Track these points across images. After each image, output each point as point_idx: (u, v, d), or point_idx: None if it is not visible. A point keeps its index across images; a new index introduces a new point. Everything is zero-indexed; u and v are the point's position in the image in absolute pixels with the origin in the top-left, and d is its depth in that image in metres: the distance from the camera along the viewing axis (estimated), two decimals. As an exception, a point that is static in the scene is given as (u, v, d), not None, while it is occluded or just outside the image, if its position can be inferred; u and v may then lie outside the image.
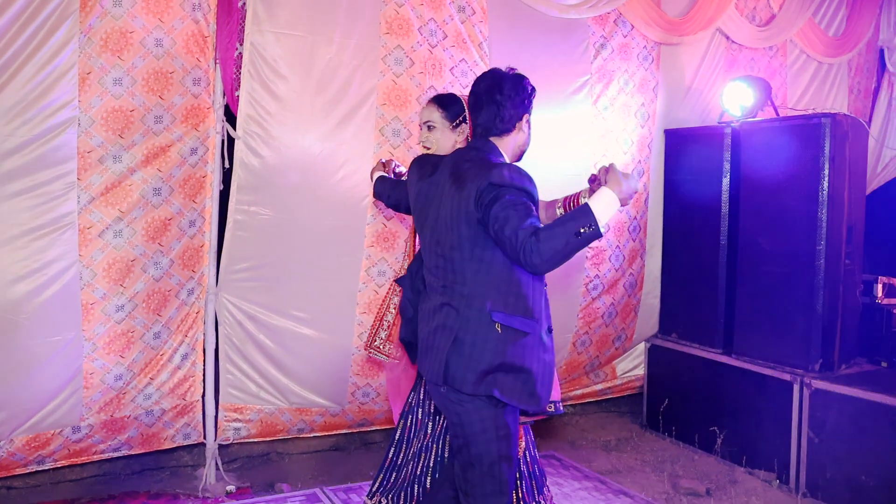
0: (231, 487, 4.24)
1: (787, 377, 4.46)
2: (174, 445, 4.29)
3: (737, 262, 4.87)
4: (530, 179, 2.62)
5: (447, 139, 3.23)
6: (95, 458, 4.08)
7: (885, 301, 5.05)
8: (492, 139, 2.82)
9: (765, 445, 4.56)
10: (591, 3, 4.80)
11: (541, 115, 4.71)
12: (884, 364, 4.81)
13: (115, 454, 4.13)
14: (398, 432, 3.41)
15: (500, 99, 2.77)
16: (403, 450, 3.39)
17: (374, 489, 3.44)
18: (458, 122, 3.22)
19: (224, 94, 4.04)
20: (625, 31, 5.07)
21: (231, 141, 4.07)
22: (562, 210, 3.05)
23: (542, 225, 2.48)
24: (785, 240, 4.56)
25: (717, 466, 4.73)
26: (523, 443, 3.25)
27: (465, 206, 2.61)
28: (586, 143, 5.00)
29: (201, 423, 4.29)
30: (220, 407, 4.29)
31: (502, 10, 4.63)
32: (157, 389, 4.09)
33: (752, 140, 4.77)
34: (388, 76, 4.30)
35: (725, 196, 4.94)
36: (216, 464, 4.30)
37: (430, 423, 3.32)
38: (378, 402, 4.58)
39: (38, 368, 3.70)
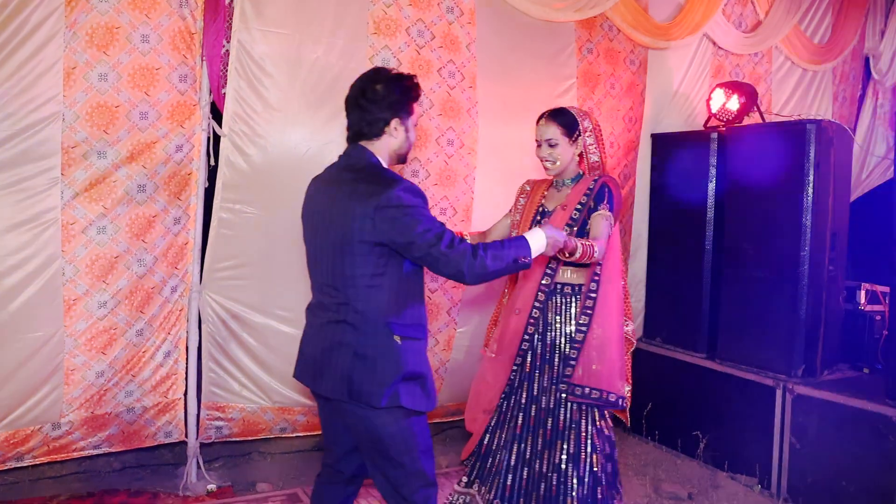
0: (212, 486, 4.22)
1: (769, 382, 4.47)
2: (155, 443, 4.26)
3: (721, 267, 4.89)
4: (422, 194, 2.65)
5: (568, 153, 3.46)
6: (75, 455, 4.05)
7: (868, 307, 5.09)
8: (363, 143, 2.77)
9: (747, 450, 4.58)
10: (578, 6, 4.81)
11: (526, 118, 4.72)
12: (866, 370, 4.84)
13: (96, 451, 4.10)
14: (494, 419, 3.57)
15: (364, 103, 2.73)
16: (498, 435, 3.55)
17: (471, 477, 3.60)
18: (576, 135, 3.45)
19: (210, 92, 4.03)
20: (611, 35, 5.08)
21: (217, 138, 4.05)
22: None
23: (461, 239, 2.62)
24: (769, 245, 4.58)
25: (700, 471, 4.74)
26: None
27: (359, 223, 2.58)
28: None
29: (183, 422, 4.26)
30: (202, 405, 4.26)
31: (490, 13, 4.64)
32: (138, 387, 4.07)
33: (738, 145, 4.79)
34: (375, 76, 4.29)
35: (711, 201, 4.96)
36: (197, 462, 4.28)
37: (521, 415, 3.50)
38: (361, 403, 4.56)
39: (18, 364, 3.68)
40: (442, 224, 2.61)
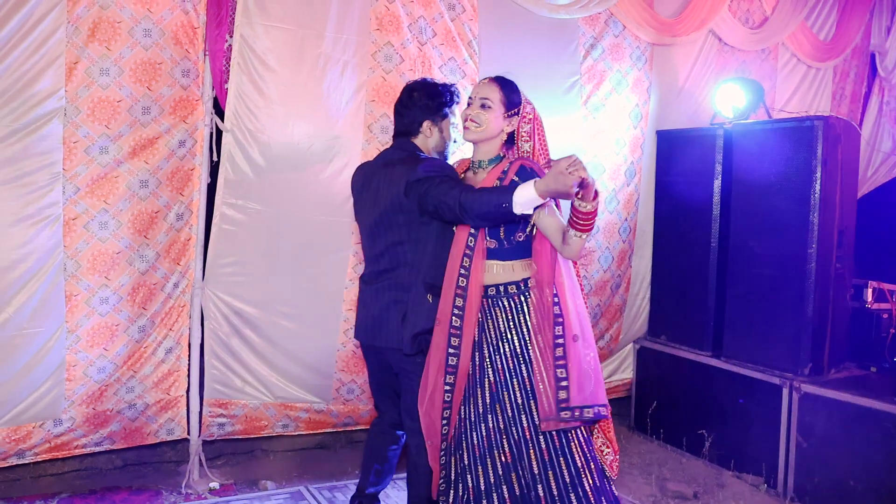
0: (214, 484, 4.20)
1: (776, 381, 4.44)
2: (157, 441, 4.24)
3: (727, 265, 4.85)
4: (450, 167, 3.21)
5: (497, 124, 3.12)
6: (77, 452, 4.03)
7: (875, 306, 5.05)
8: (406, 138, 3.31)
9: (753, 449, 4.54)
10: (582, 3, 4.77)
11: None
12: (873, 369, 4.79)
13: (98, 449, 4.08)
14: (465, 457, 3.11)
15: (399, 107, 3.32)
16: (482, 474, 3.07)
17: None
18: (513, 112, 3.14)
19: (213, 87, 4.01)
20: (616, 32, 5.05)
21: (219, 134, 4.04)
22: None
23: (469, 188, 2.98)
24: (776, 242, 4.54)
25: (705, 470, 4.71)
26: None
27: (398, 198, 3.10)
28: (576, 143, 4.97)
29: (185, 419, 4.24)
30: (204, 402, 4.24)
31: (493, 9, 4.61)
32: (140, 383, 4.05)
33: (744, 142, 4.75)
34: (377, 73, 4.28)
35: (717, 198, 4.92)
36: (200, 460, 4.26)
37: (498, 451, 3.06)
38: (363, 400, 4.54)
39: (20, 359, 3.66)
40: (455, 181, 3.05)
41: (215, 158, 4.05)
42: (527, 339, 3.04)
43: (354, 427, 4.72)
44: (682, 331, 5.15)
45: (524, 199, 2.75)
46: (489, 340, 3.09)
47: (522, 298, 3.07)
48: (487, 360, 3.09)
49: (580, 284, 3.21)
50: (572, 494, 2.97)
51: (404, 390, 3.31)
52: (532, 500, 3.00)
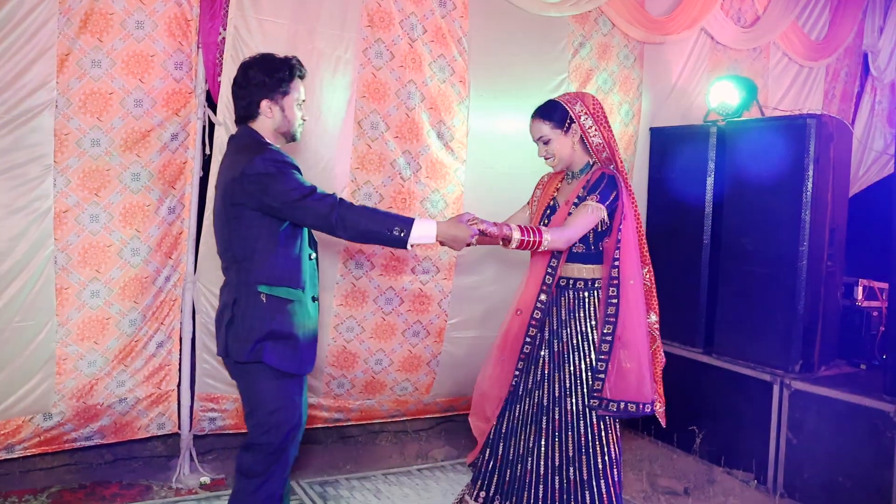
0: (205, 479, 4.18)
1: (766, 378, 4.45)
2: (148, 435, 4.22)
3: (719, 262, 4.87)
4: (291, 161, 2.84)
5: (564, 145, 3.35)
6: (67, 446, 4.02)
7: (865, 303, 5.08)
8: (248, 124, 2.96)
9: (743, 446, 4.56)
10: (572, 1, 4.78)
11: (516, 112, 4.65)
12: (863, 366, 4.82)
13: (88, 443, 4.06)
14: (503, 427, 3.45)
15: (235, 89, 2.96)
16: (514, 445, 3.43)
17: (490, 493, 3.45)
18: (567, 125, 3.32)
19: (206, 80, 3.99)
20: (605, 30, 5.05)
21: (212, 127, 4.02)
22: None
23: (331, 193, 2.78)
24: (768, 240, 4.56)
25: (696, 466, 4.72)
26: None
27: (228, 190, 2.80)
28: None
29: (176, 413, 4.23)
30: (195, 397, 4.23)
31: (483, 6, 4.61)
32: (131, 377, 4.03)
33: (737, 139, 4.77)
34: (368, 69, 4.27)
35: (710, 195, 4.94)
36: (191, 455, 4.25)
37: (534, 426, 3.37)
38: (353, 395, 4.54)
39: (9, 353, 3.65)
40: (311, 185, 2.77)
41: (208, 152, 4.03)
42: (584, 330, 3.32)
43: (345, 422, 4.72)
44: (673, 327, 5.12)
45: (423, 232, 2.80)
46: (551, 324, 3.39)
47: (586, 294, 3.35)
48: (546, 341, 3.39)
49: (647, 297, 3.41)
50: (602, 481, 3.25)
51: (252, 403, 2.93)
52: (563, 480, 3.28)
